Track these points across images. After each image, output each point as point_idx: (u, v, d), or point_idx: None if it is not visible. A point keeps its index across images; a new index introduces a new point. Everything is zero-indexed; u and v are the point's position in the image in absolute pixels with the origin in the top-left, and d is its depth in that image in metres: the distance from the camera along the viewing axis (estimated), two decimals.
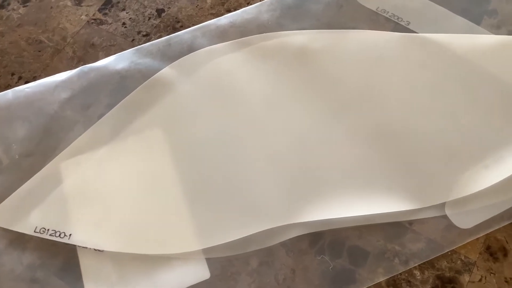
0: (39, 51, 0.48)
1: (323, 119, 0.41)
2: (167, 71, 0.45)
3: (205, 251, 0.37)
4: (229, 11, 0.48)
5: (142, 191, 0.40)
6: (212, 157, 0.41)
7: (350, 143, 0.40)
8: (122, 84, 0.44)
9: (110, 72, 0.45)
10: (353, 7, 0.47)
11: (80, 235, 0.38)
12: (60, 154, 0.41)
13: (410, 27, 0.45)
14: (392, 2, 0.47)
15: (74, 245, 0.38)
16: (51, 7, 0.50)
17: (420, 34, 0.45)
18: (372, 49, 0.44)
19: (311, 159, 0.40)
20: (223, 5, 0.49)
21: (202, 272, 0.37)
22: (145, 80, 0.44)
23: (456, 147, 0.39)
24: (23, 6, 0.50)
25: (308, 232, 0.37)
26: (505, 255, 0.36)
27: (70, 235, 0.38)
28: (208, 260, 0.37)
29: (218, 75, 0.44)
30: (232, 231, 0.37)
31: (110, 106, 0.43)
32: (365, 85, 0.43)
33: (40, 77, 0.46)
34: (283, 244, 0.37)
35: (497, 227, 0.37)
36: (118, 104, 0.43)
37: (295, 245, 0.37)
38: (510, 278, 0.35)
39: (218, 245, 0.37)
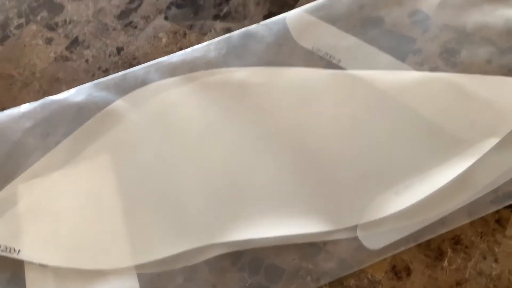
0: (10, 84, 0.53)
1: (253, 146, 0.45)
2: (119, 103, 0.49)
3: (137, 267, 0.41)
4: (181, 49, 0.53)
5: (87, 211, 0.44)
6: (152, 180, 0.45)
7: (276, 168, 0.44)
8: (79, 115, 0.49)
9: (69, 104, 0.50)
10: (291, 47, 0.51)
11: (28, 251, 0.42)
12: (18, 178, 0.46)
13: (341, 64, 0.50)
14: (326, 42, 0.51)
15: (22, 260, 0.42)
16: (25, 46, 0.56)
17: (348, 70, 0.49)
18: (303, 84, 0.48)
19: (239, 183, 0.44)
20: (176, 44, 0.54)
21: (132, 286, 0.40)
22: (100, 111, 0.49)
23: (372, 173, 0.43)
24: (1, 45, 0.56)
25: (231, 250, 0.41)
26: (408, 274, 0.39)
27: (19, 250, 0.42)
28: (139, 276, 0.40)
29: (165, 107, 0.49)
30: (163, 249, 0.41)
31: (66, 135, 0.48)
32: (294, 117, 0.47)
33: (8, 108, 0.51)
34: (207, 262, 0.40)
35: (403, 249, 0.40)
36: (73, 134, 0.48)
37: (218, 263, 0.40)
38: None
39: (148, 262, 0.41)
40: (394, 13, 0.52)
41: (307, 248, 0.40)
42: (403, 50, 0.50)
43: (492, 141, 0.43)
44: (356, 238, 0.40)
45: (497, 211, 0.41)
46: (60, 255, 0.42)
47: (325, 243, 0.41)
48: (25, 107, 0.50)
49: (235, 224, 0.42)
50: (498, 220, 0.40)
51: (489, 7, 0.52)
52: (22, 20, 0.58)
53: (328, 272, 0.39)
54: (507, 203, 0.41)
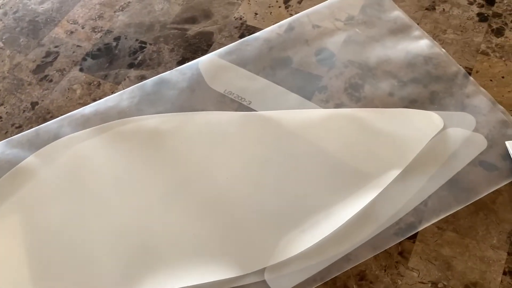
0: None
1: (164, 195, 0.45)
2: (31, 160, 0.49)
3: None
4: (95, 100, 0.54)
5: None
6: (62, 238, 0.44)
7: (186, 216, 0.44)
8: None
9: None
10: (204, 91, 0.52)
11: None
12: None
13: (251, 106, 0.51)
14: (237, 85, 0.52)
15: None
16: None
17: (258, 112, 0.50)
18: (214, 128, 0.49)
19: (151, 236, 0.43)
20: (90, 95, 0.54)
21: None
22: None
23: (278, 214, 0.43)
24: None
25: None
26: None
27: None
28: None
29: (77, 161, 0.49)
30: None
31: None
32: (205, 161, 0.47)
33: None
34: None
35: None
36: None
37: None
38: None
39: None
40: (302, 52, 0.54)
41: None
42: (309, 89, 0.51)
43: (394, 173, 0.44)
44: (264, 282, 0.40)
45: (400, 243, 0.41)
46: None
47: None
48: None
49: (147, 278, 0.41)
50: (401, 253, 0.41)
51: (391, 41, 0.54)
52: None
53: None
54: (409, 234, 0.42)
